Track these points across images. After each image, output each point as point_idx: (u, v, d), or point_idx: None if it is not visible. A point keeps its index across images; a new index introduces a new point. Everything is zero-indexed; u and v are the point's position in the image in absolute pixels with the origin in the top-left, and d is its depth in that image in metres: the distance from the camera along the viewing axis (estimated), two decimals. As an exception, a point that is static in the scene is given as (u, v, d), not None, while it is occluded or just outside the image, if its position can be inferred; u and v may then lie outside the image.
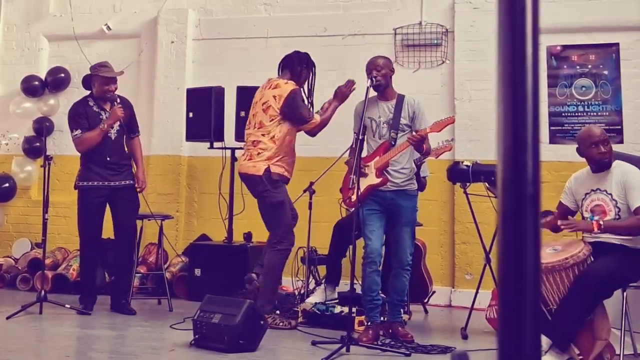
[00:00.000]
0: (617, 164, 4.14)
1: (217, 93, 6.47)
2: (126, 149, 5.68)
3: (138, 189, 5.69)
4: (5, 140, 7.69)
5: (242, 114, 6.11)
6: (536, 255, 0.78)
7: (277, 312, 5.10)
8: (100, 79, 5.51)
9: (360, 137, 4.52)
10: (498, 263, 0.80)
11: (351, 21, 6.94)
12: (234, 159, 6.34)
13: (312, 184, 5.74)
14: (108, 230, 5.66)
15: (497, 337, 0.80)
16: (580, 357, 3.85)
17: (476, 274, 5.71)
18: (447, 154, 5.19)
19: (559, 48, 6.33)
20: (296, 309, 5.25)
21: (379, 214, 4.65)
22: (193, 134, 6.58)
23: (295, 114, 5.01)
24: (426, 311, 5.92)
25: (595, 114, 6.25)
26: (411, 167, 4.76)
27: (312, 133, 5.19)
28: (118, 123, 5.53)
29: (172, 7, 7.44)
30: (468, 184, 5.05)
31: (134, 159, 5.75)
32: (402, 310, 4.90)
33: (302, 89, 5.14)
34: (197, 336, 4.31)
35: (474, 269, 6.17)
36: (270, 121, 5.00)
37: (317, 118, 5.06)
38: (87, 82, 5.67)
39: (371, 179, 4.64)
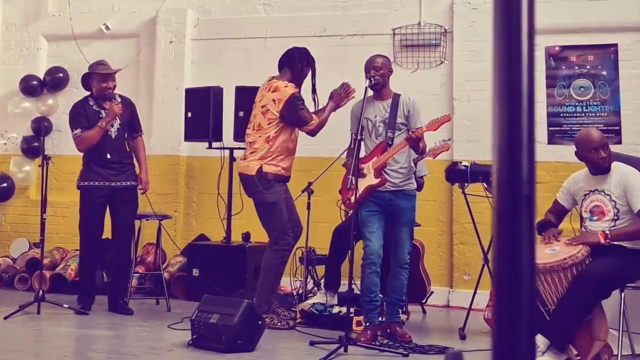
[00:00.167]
0: (616, 166, 4.14)
1: (215, 93, 6.46)
2: (128, 148, 5.64)
3: (141, 191, 5.66)
4: (3, 140, 7.69)
5: (241, 114, 6.10)
6: (531, 255, 0.78)
7: (278, 308, 5.11)
8: (98, 77, 5.51)
9: (359, 138, 4.50)
10: (493, 263, 0.80)
11: (350, 21, 6.93)
12: (232, 159, 6.34)
13: (310, 184, 5.74)
14: (106, 231, 5.66)
15: (492, 337, 0.80)
16: (578, 357, 3.85)
17: (474, 275, 5.71)
18: (445, 154, 5.18)
19: (557, 49, 6.33)
20: (294, 309, 5.25)
21: (378, 214, 4.64)
22: (192, 134, 6.57)
23: (295, 117, 5.00)
24: (424, 311, 5.92)
25: (593, 114, 6.25)
26: (409, 166, 4.75)
27: (312, 133, 5.19)
28: (118, 122, 5.52)
29: (171, 7, 7.43)
30: (466, 184, 5.04)
31: (137, 159, 5.70)
32: (400, 310, 4.90)
33: (302, 89, 5.14)
34: (195, 336, 4.30)
35: (472, 269, 6.17)
36: (269, 124, 4.99)
37: (316, 119, 5.06)
38: (85, 81, 5.66)
39: (370, 179, 4.63)
